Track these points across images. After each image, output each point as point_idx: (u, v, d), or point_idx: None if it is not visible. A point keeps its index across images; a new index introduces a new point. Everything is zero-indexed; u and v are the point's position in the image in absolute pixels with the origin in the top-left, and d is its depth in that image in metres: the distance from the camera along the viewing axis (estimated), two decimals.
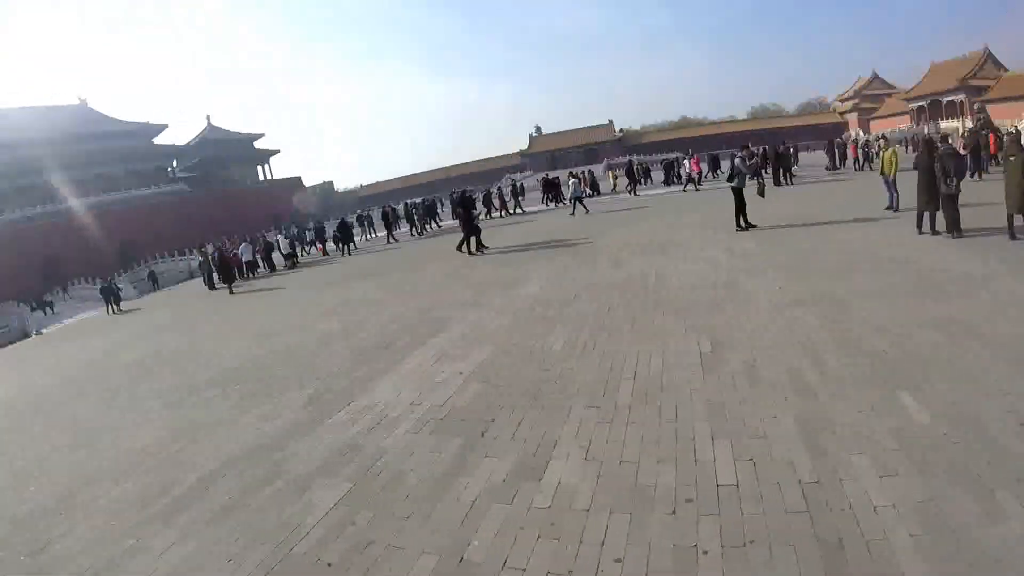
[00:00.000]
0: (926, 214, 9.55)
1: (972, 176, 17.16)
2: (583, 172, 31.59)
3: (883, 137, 20.93)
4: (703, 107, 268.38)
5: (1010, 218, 8.80)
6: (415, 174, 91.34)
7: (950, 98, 67.36)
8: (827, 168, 25.53)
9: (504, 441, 4.31)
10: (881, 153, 13.18)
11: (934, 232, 9.36)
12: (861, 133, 68.56)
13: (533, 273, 10.85)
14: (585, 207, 21.10)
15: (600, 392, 4.88)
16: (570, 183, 22.01)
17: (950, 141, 8.89)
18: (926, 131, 48.94)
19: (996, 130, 24.69)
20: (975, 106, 46.30)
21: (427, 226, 26.02)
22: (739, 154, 12.75)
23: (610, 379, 5.14)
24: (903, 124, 69.51)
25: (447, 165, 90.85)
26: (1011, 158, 8.80)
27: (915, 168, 9.65)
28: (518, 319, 7.70)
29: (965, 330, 5.12)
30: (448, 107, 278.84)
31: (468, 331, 7.55)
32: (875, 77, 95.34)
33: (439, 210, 30.53)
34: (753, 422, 4.01)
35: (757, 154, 20.54)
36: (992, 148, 20.75)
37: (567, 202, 23.01)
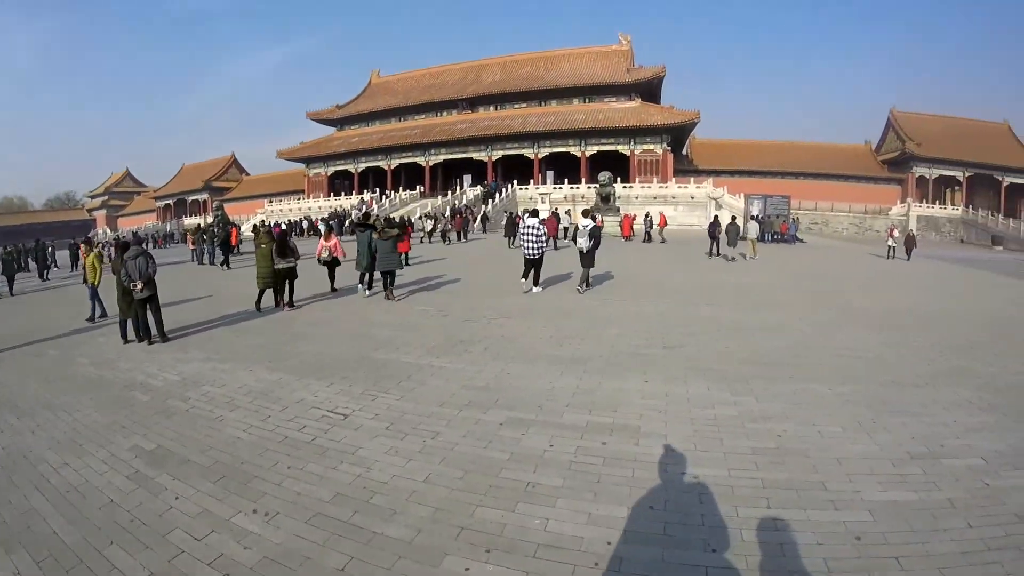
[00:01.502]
0: (129, 321, 8.37)
1: (222, 266, 18.85)
2: None
3: (86, 241, 19.52)
4: None
5: (260, 293, 10.23)
6: None
7: (195, 197, 73.95)
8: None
9: None
10: (83, 259, 11.38)
11: (140, 339, 8.24)
12: (108, 231, 66.49)
13: None
14: None
15: None
16: None
17: (145, 240, 8.43)
18: (202, 224, 51.46)
19: (235, 225, 28.05)
20: (215, 204, 52.65)
21: None
22: None
23: None
24: (151, 221, 71.73)
25: None
26: (261, 246, 10.37)
27: (114, 273, 8.40)
28: None
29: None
30: None
31: None
32: (128, 174, 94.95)
33: None
34: None
35: None
36: (233, 240, 22.91)
37: None
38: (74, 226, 75.95)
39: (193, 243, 23.29)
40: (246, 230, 31.33)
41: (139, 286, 7.86)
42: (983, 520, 2.98)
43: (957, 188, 54.40)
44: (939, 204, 50.74)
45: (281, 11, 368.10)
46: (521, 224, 11.39)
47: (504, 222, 25.67)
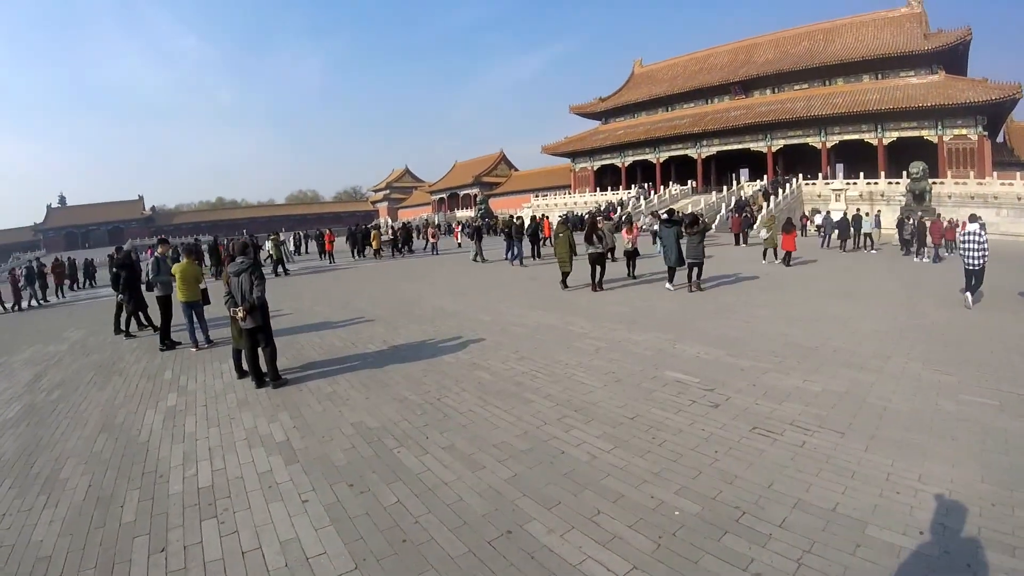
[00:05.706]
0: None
1: (532, 257, 19.20)
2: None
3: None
4: (241, 189, 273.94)
5: (565, 275, 11.68)
6: None
7: (466, 191, 78.94)
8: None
9: None
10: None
11: (252, 377, 6.37)
12: (389, 220, 76.04)
13: None
14: None
15: None
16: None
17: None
18: (436, 219, 56.15)
19: (545, 216, 27.44)
20: (478, 197, 55.74)
21: None
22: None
23: None
24: (426, 212, 79.72)
25: None
26: (559, 235, 11.73)
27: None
28: None
29: None
30: None
31: None
32: (407, 171, 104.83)
33: None
34: None
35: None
36: (546, 232, 23.68)
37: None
38: (359, 215, 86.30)
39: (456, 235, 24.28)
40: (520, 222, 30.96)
41: (240, 313, 5.93)
42: None
43: None
44: None
45: (542, 17, 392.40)
46: (960, 233, 11.15)
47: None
